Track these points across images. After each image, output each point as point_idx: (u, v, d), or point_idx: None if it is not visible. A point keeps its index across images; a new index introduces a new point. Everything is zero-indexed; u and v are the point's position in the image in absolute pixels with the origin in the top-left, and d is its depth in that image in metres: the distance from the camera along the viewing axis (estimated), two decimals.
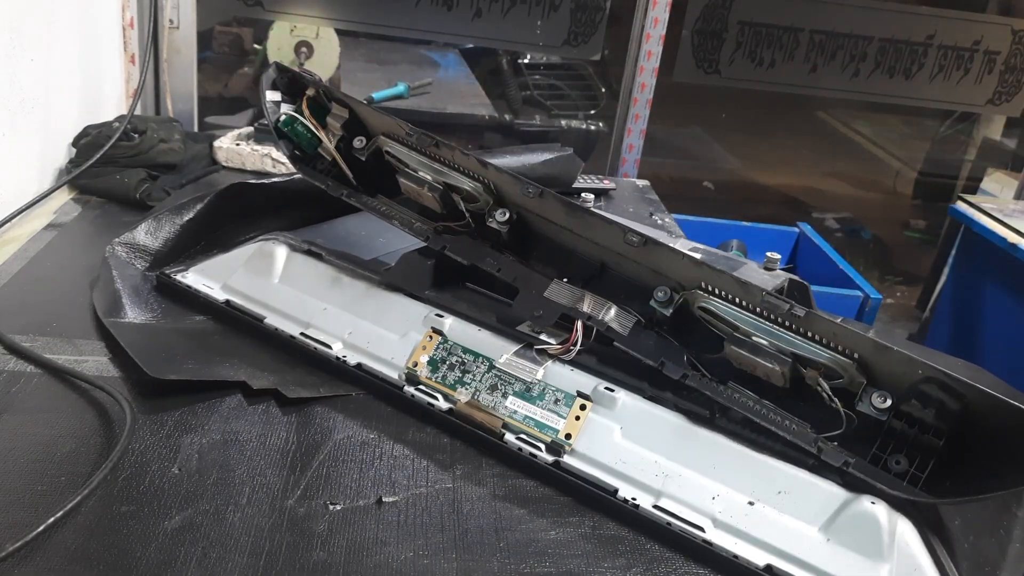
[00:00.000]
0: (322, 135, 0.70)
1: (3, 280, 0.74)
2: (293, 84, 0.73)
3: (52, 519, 0.46)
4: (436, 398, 0.59)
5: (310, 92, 0.71)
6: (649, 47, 1.42)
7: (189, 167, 1.02)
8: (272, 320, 0.66)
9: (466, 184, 0.64)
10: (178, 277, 0.71)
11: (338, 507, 0.51)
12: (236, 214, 0.82)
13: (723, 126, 2.59)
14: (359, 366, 0.62)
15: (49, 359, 0.61)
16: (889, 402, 0.51)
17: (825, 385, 0.52)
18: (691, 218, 1.54)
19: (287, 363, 0.65)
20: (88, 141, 0.97)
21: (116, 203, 0.93)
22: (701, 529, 0.51)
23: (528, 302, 0.61)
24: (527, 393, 0.58)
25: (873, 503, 0.49)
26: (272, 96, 0.73)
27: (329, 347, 0.63)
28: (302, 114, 0.71)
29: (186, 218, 0.78)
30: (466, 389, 0.59)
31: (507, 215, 0.63)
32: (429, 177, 0.66)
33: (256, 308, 0.67)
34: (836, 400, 0.52)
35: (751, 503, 0.51)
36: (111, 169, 0.95)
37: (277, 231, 0.73)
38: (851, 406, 0.52)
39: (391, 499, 0.52)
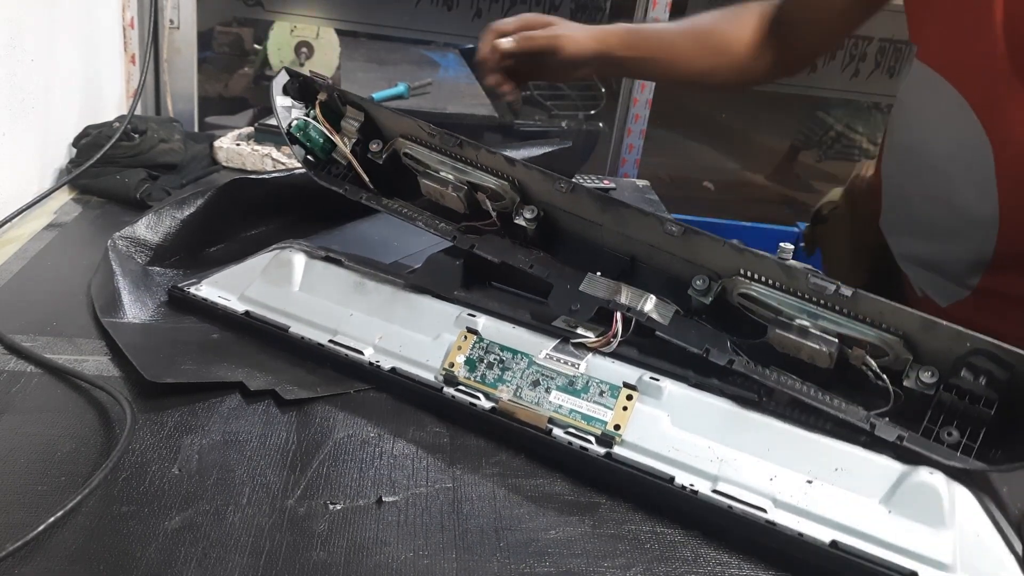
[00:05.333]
0: (337, 139, 0.70)
1: (3, 280, 0.74)
2: (305, 88, 0.73)
3: (52, 519, 0.46)
4: (478, 397, 0.59)
5: (322, 96, 0.71)
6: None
7: (189, 167, 1.02)
8: (297, 329, 0.65)
9: (491, 182, 0.64)
10: (192, 290, 0.70)
11: (338, 507, 0.51)
12: (237, 209, 0.82)
13: (723, 126, 2.60)
14: (393, 370, 0.62)
15: (49, 359, 0.61)
16: (936, 377, 0.52)
17: (872, 363, 0.53)
18: (691, 218, 1.55)
19: (287, 362, 0.64)
20: (88, 141, 0.97)
21: (116, 203, 0.93)
22: (763, 510, 0.51)
23: (563, 297, 0.61)
24: (571, 387, 0.58)
25: (931, 473, 0.50)
26: (283, 101, 0.72)
27: (360, 353, 0.63)
28: (315, 119, 0.70)
29: (187, 213, 0.78)
30: (507, 387, 0.59)
31: (535, 212, 0.63)
32: (452, 177, 0.66)
33: (278, 318, 0.66)
34: (884, 377, 0.53)
35: (809, 481, 0.52)
36: (111, 169, 0.95)
37: (290, 239, 0.72)
38: (897, 383, 0.53)
39: (391, 499, 0.53)
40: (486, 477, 0.56)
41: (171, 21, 1.33)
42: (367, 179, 0.70)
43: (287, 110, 0.72)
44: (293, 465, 0.54)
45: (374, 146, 0.69)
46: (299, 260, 0.68)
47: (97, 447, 0.54)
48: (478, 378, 0.60)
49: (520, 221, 0.63)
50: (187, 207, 0.78)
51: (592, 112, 1.96)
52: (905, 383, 0.53)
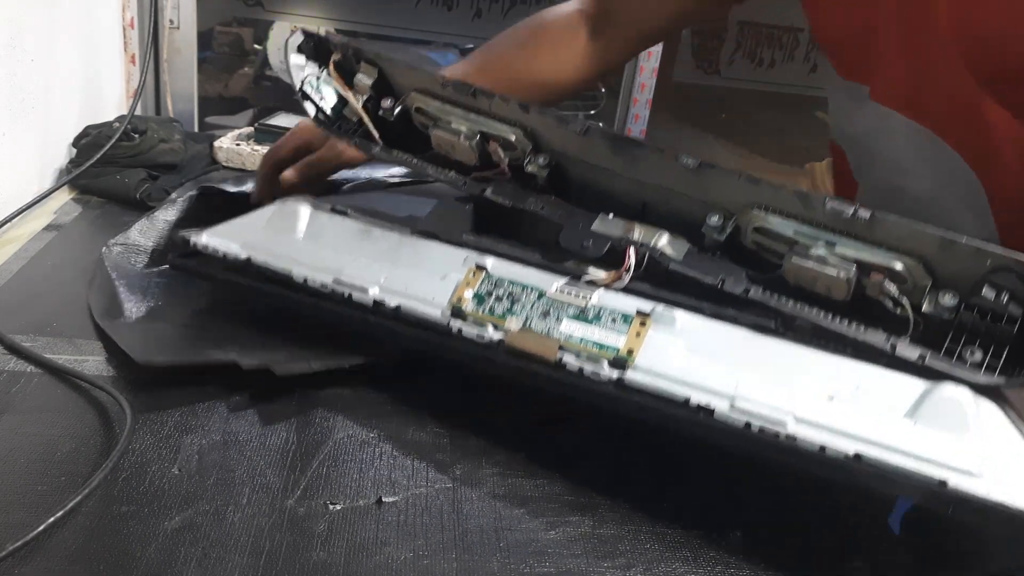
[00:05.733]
0: (349, 96, 0.70)
1: (3, 280, 0.74)
2: (319, 48, 0.73)
3: (52, 519, 0.46)
4: (485, 328, 0.58)
5: (336, 56, 0.71)
6: (649, 47, 1.42)
7: (189, 167, 1.02)
8: (299, 271, 0.64)
9: (505, 131, 0.64)
10: (192, 239, 0.69)
11: (338, 507, 0.51)
12: (223, 215, 0.82)
13: (723, 126, 2.60)
14: (398, 308, 0.61)
15: (49, 359, 0.62)
16: (956, 299, 0.51)
17: (891, 288, 0.52)
18: None
19: (282, 341, 0.64)
20: (88, 141, 0.98)
21: (116, 203, 0.93)
22: (783, 425, 0.49)
23: (575, 235, 0.60)
24: (582, 315, 0.57)
25: (956, 386, 0.49)
26: (296, 60, 0.72)
27: (365, 291, 0.61)
28: (328, 76, 0.70)
29: (178, 216, 0.79)
30: (516, 318, 0.58)
31: (548, 159, 0.63)
32: (464, 127, 0.66)
33: (281, 263, 0.65)
34: (903, 302, 0.51)
35: (830, 398, 0.50)
36: (111, 169, 0.95)
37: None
38: (916, 310, 0.52)
39: (391, 499, 0.53)
40: (486, 477, 0.56)
41: (171, 21, 1.33)
42: (376, 135, 0.70)
43: (300, 68, 0.72)
44: (293, 465, 0.54)
45: (386, 103, 0.69)
46: (304, 210, 0.68)
47: (97, 447, 0.54)
48: (486, 311, 0.58)
49: (532, 168, 0.63)
50: (174, 210, 0.80)
51: (592, 112, 1.96)
52: (925, 308, 0.51)
